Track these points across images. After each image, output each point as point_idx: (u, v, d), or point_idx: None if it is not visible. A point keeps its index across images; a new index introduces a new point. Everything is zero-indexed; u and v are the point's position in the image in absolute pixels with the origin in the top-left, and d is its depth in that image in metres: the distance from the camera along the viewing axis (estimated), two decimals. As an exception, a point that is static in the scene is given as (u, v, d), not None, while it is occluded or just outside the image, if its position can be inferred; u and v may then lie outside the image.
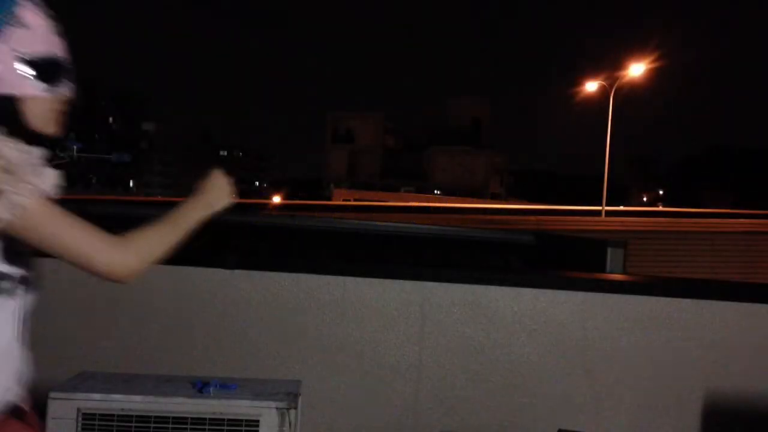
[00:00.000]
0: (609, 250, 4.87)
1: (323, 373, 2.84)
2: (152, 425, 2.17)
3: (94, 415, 2.17)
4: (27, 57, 1.28)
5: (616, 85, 27.56)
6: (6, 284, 1.29)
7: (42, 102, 1.32)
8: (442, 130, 56.50)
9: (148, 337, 2.86)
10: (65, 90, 1.35)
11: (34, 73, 1.29)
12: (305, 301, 2.84)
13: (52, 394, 2.19)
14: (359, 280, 2.86)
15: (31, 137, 1.32)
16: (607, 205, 24.46)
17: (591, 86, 29.80)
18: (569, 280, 3.05)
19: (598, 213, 22.59)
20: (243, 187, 76.11)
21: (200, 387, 2.30)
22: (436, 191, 51.37)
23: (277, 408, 2.22)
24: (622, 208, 32.31)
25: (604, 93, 28.31)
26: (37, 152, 1.26)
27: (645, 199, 66.46)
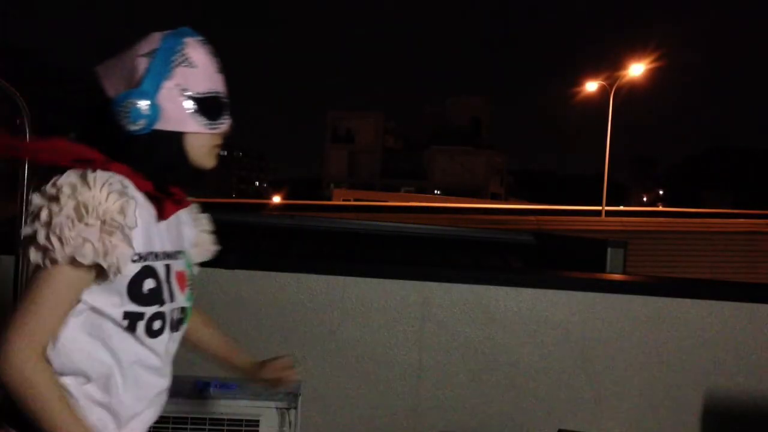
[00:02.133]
0: (609, 250, 4.87)
1: (323, 373, 2.84)
2: (152, 425, 2.17)
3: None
4: (193, 95, 1.32)
5: (616, 85, 27.55)
6: (131, 323, 1.29)
7: (204, 138, 1.35)
8: (442, 130, 56.48)
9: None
10: (225, 126, 1.38)
11: (199, 110, 1.33)
12: (305, 301, 2.84)
13: None
14: (359, 280, 2.86)
15: (191, 172, 1.37)
16: (607, 205, 24.45)
17: (591, 86, 29.80)
18: (569, 280, 3.05)
19: (598, 213, 22.57)
20: (243, 187, 76.11)
21: (200, 387, 2.30)
22: (436, 191, 51.38)
23: (277, 408, 2.22)
24: (622, 208, 32.30)
25: (604, 93, 28.31)
26: (124, 220, 1.22)
27: (645, 199, 66.44)
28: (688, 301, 2.92)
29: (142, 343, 1.31)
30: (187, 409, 2.19)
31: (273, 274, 2.86)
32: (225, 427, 2.19)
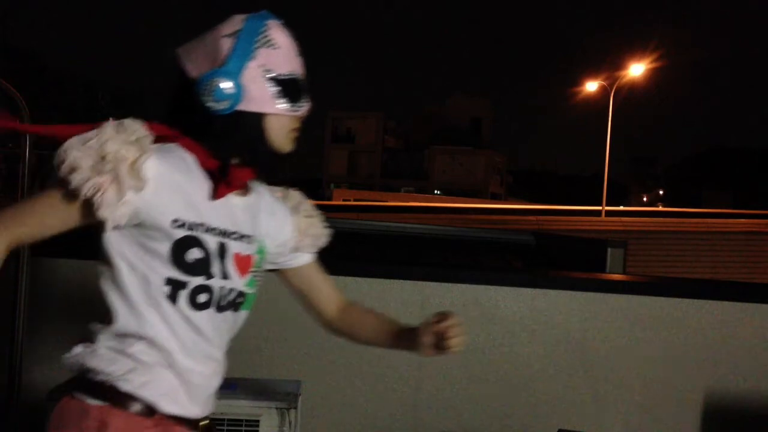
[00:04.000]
0: (609, 250, 4.88)
1: (323, 373, 2.84)
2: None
3: (94, 415, 2.16)
4: (275, 76, 1.33)
5: (616, 85, 27.56)
6: (175, 291, 1.30)
7: (284, 120, 1.36)
8: (442, 130, 56.48)
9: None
10: (304, 109, 1.38)
11: (281, 91, 1.33)
12: (305, 301, 2.83)
13: (51, 394, 2.19)
14: (359, 280, 2.86)
15: (270, 155, 1.37)
16: (607, 205, 24.46)
17: (591, 86, 29.84)
18: (569, 280, 3.05)
19: (598, 213, 22.57)
20: (243, 187, 75.87)
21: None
22: (436, 191, 51.37)
23: (277, 408, 2.22)
24: (622, 208, 32.30)
25: (604, 93, 28.33)
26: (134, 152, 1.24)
27: (645, 199, 66.45)
28: (688, 301, 2.92)
29: (184, 314, 1.31)
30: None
31: (273, 274, 2.86)
32: (225, 427, 2.19)
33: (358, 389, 2.86)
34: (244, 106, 1.31)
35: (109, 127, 1.24)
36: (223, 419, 2.19)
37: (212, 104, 1.29)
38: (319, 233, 1.59)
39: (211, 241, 1.32)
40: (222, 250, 1.34)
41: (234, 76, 1.29)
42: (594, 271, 4.51)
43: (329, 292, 1.65)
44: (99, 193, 1.22)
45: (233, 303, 1.38)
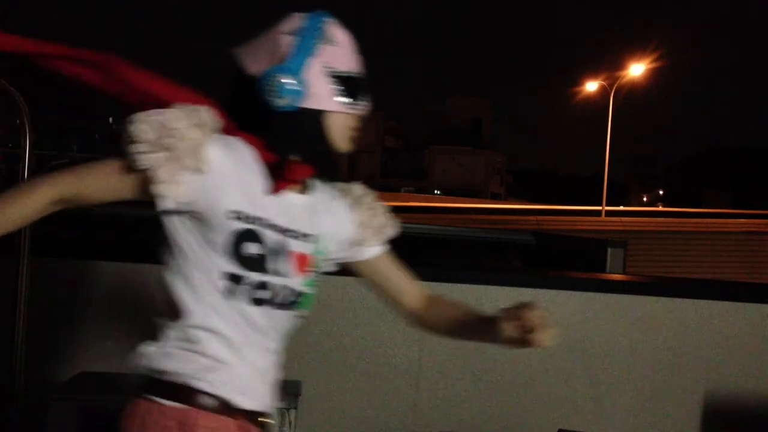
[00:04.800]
0: (609, 250, 4.87)
1: (323, 373, 2.84)
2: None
3: (94, 415, 2.17)
4: (336, 73, 1.33)
5: (616, 85, 27.55)
6: (231, 285, 1.29)
7: (344, 119, 1.36)
8: (442, 130, 56.46)
9: (148, 337, 2.86)
10: (364, 108, 1.38)
11: (341, 89, 1.33)
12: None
13: (52, 394, 2.19)
14: (359, 280, 2.85)
15: (328, 153, 1.36)
16: (607, 205, 24.46)
17: (591, 86, 29.83)
18: (569, 280, 3.05)
19: (598, 213, 22.56)
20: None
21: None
22: (436, 191, 51.35)
23: (277, 408, 2.22)
24: (622, 208, 32.29)
25: (604, 93, 28.32)
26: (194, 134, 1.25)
27: (645, 199, 66.44)
28: (688, 301, 2.92)
29: (241, 309, 1.30)
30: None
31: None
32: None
33: (358, 389, 2.86)
34: (304, 103, 1.30)
35: (181, 108, 1.26)
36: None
37: (274, 100, 1.29)
38: (383, 225, 1.56)
39: (270, 237, 1.32)
40: (280, 247, 1.33)
41: (296, 72, 1.29)
42: (594, 271, 4.51)
43: (405, 284, 1.63)
44: (159, 170, 1.23)
45: (290, 302, 1.37)
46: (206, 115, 1.27)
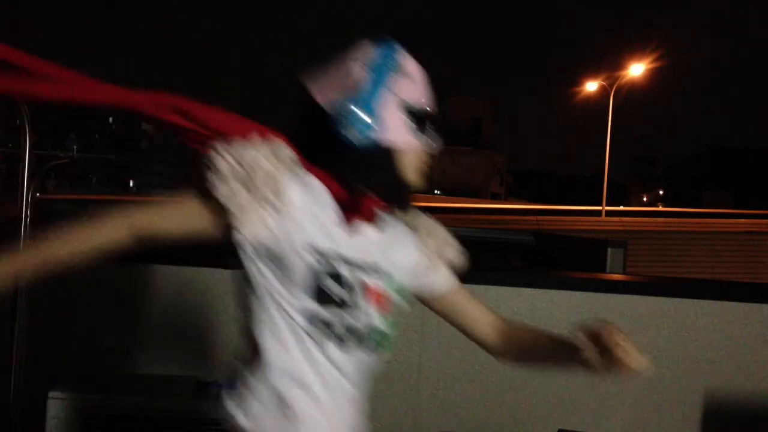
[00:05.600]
0: (609, 250, 4.88)
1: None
2: (152, 425, 2.17)
3: (94, 415, 2.17)
4: (409, 106, 1.29)
5: (616, 85, 27.54)
6: (311, 325, 1.26)
7: (415, 152, 1.32)
8: (442, 130, 56.38)
9: (148, 337, 2.86)
10: (436, 141, 1.34)
11: (413, 122, 1.30)
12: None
13: (52, 394, 2.19)
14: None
15: (399, 187, 1.33)
16: (607, 205, 24.45)
17: (591, 86, 29.80)
18: (569, 280, 3.05)
19: (598, 213, 22.55)
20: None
21: (200, 387, 2.30)
22: (436, 191, 51.35)
23: None
24: (622, 208, 32.28)
25: (604, 93, 28.31)
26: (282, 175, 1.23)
27: (645, 199, 66.43)
28: (688, 301, 2.92)
29: (324, 351, 1.28)
30: (187, 409, 2.19)
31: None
32: (225, 428, 2.19)
33: (358, 389, 2.86)
34: (377, 135, 1.26)
35: (259, 142, 1.23)
36: (223, 419, 2.19)
37: (346, 133, 1.25)
38: (452, 257, 1.52)
39: (348, 274, 1.28)
40: (358, 284, 1.30)
41: (369, 104, 1.25)
42: (594, 271, 4.51)
43: (482, 316, 1.57)
44: (239, 206, 1.20)
45: (371, 342, 1.33)
46: (284, 149, 1.24)
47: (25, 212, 2.38)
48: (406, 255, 1.42)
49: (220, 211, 1.22)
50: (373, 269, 1.33)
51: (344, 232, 1.29)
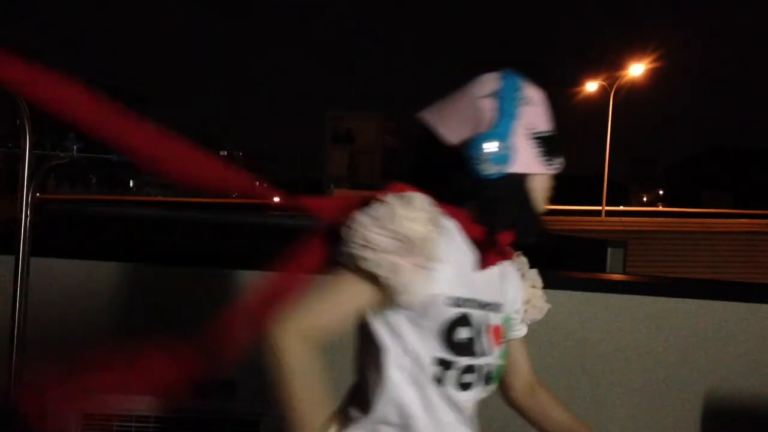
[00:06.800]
0: (609, 250, 4.88)
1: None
2: (152, 425, 2.17)
3: (94, 415, 2.17)
4: (537, 134, 1.29)
5: (616, 85, 27.56)
6: (440, 371, 1.24)
7: (543, 179, 1.32)
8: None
9: (148, 337, 2.86)
10: (560, 166, 1.34)
11: (542, 150, 1.29)
12: (305, 301, 2.83)
13: (55, 395, 2.19)
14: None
15: (531, 217, 1.31)
16: (607, 205, 24.46)
17: (591, 86, 29.81)
18: (569, 280, 3.04)
19: (598, 213, 22.58)
20: (243, 187, 75.84)
21: (200, 387, 2.29)
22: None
23: (277, 408, 2.22)
24: (622, 208, 32.29)
25: (604, 93, 28.32)
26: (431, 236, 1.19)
27: (645, 199, 66.42)
28: (688, 301, 2.92)
29: (448, 395, 1.26)
30: (187, 409, 2.19)
31: (273, 274, 2.86)
32: (225, 427, 2.19)
33: (358, 389, 2.86)
34: (512, 168, 1.25)
35: (397, 203, 1.19)
36: (224, 419, 2.19)
37: (481, 169, 1.23)
38: (541, 307, 1.51)
39: (477, 317, 1.28)
40: (483, 324, 1.29)
41: (504, 138, 1.23)
42: (594, 271, 4.51)
43: (523, 367, 1.58)
44: (399, 276, 1.16)
45: (489, 378, 1.33)
46: (424, 202, 1.21)
47: (25, 212, 2.38)
48: (514, 291, 1.43)
49: (376, 284, 1.19)
50: (495, 305, 1.33)
51: (478, 275, 1.28)
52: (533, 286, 1.50)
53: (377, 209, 1.19)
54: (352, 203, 1.25)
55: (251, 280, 2.85)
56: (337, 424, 1.31)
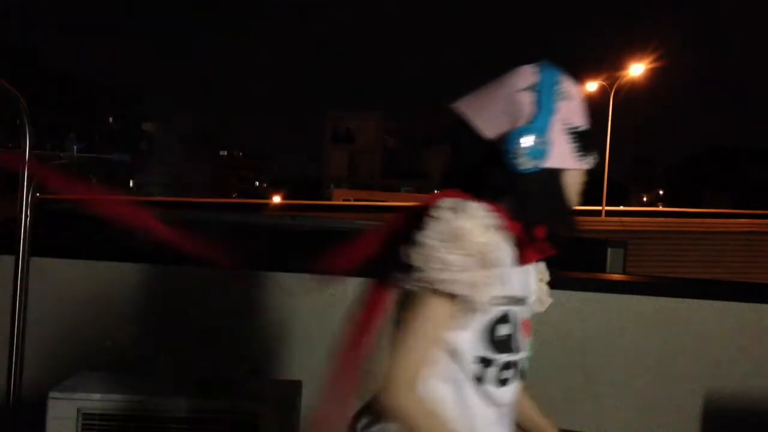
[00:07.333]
0: (609, 250, 4.87)
1: (323, 373, 2.84)
2: (152, 425, 2.17)
3: (94, 415, 2.17)
4: (574, 129, 1.28)
5: (616, 85, 27.55)
6: (480, 369, 1.26)
7: (578, 174, 1.32)
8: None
9: (148, 337, 2.86)
10: (593, 161, 1.33)
11: (578, 145, 1.28)
12: (306, 301, 2.83)
13: (52, 394, 2.19)
14: (360, 279, 2.85)
15: (566, 212, 1.32)
16: (607, 205, 24.45)
17: (591, 86, 29.78)
18: (569, 280, 3.04)
19: (598, 213, 22.56)
20: (243, 187, 76.12)
21: (200, 387, 2.30)
22: (436, 191, 51.27)
23: (277, 408, 2.22)
24: (622, 208, 32.27)
25: (604, 93, 28.31)
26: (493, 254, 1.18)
27: (645, 199, 66.42)
28: (688, 301, 2.92)
29: (487, 393, 1.27)
30: (187, 409, 2.19)
31: (273, 274, 2.86)
32: (225, 427, 2.19)
33: (359, 389, 2.85)
34: (549, 163, 1.25)
35: (455, 216, 1.17)
36: (224, 419, 2.19)
37: (519, 163, 1.22)
38: (545, 300, 1.52)
39: (514, 313, 1.28)
40: (518, 320, 1.30)
41: (542, 132, 1.23)
42: (594, 271, 4.50)
43: None
44: (476, 290, 1.17)
45: (523, 372, 1.35)
46: (480, 209, 1.19)
47: (25, 212, 2.38)
48: (534, 284, 1.43)
49: (453, 301, 1.19)
50: (526, 299, 1.34)
51: (514, 271, 1.27)
52: (541, 280, 1.51)
53: (439, 227, 1.17)
54: (398, 223, 1.26)
55: (251, 280, 2.85)
56: (367, 417, 1.33)
